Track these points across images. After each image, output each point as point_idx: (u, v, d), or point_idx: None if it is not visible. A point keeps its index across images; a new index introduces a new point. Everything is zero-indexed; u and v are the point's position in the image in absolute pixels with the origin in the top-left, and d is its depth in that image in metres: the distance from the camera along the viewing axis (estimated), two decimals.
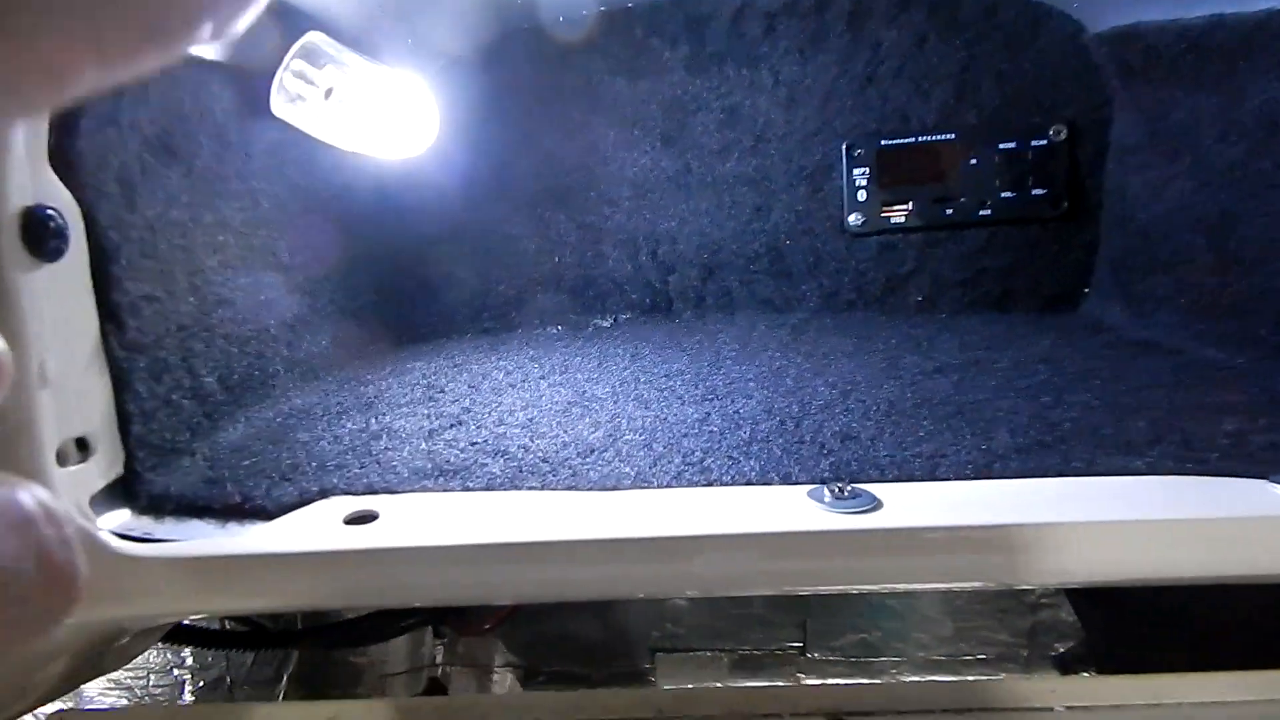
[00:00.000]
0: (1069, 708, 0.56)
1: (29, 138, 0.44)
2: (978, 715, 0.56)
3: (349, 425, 0.66)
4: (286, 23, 0.66)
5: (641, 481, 0.55)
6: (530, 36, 0.98)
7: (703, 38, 0.99)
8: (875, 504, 0.51)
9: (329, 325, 0.83)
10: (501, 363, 0.85)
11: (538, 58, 0.99)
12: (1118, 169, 0.97)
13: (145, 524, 0.51)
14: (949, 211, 1.00)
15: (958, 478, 0.54)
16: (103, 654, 0.56)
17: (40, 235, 0.44)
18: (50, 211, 0.45)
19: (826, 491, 0.52)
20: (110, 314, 0.51)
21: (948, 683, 0.62)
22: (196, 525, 0.52)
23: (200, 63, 0.61)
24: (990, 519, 0.48)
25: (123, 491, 0.52)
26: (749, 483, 0.55)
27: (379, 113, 0.71)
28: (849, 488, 0.52)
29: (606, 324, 1.03)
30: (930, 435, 0.61)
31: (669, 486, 0.55)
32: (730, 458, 0.58)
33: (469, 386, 0.77)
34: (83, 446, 0.49)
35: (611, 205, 1.03)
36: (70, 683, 0.54)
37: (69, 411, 0.47)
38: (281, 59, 0.64)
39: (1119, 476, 0.54)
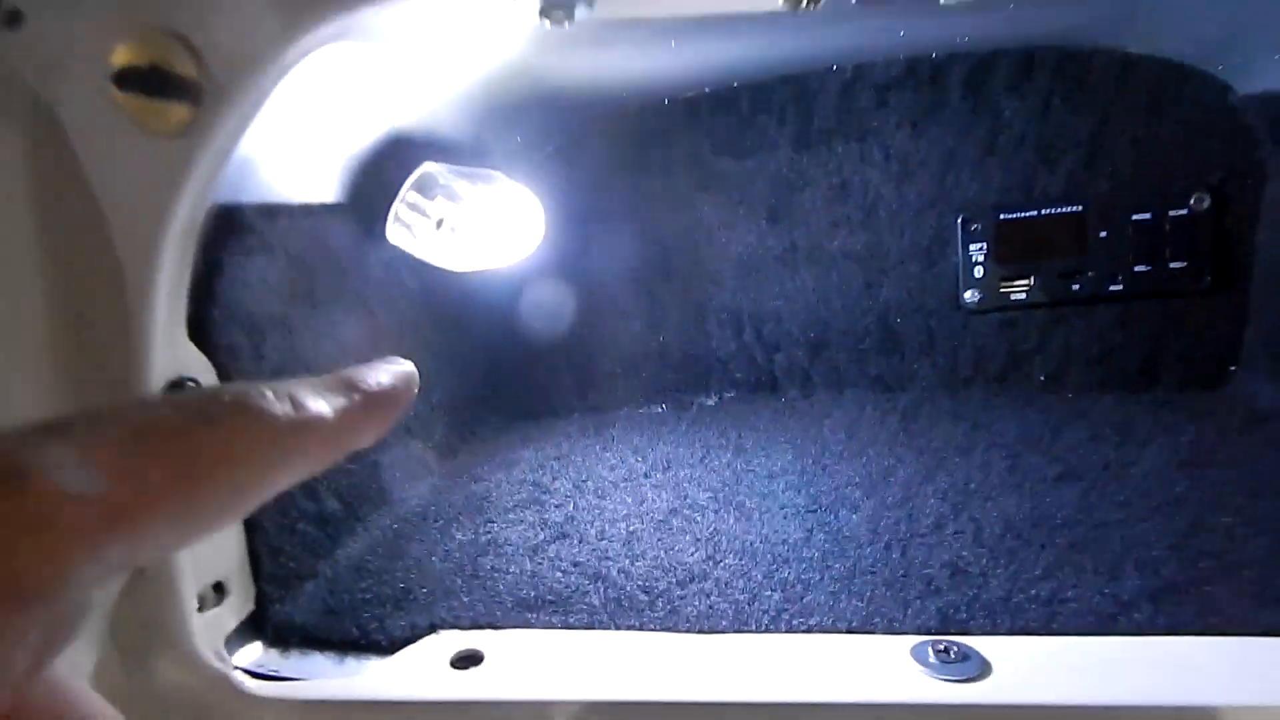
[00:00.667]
0: None
1: (169, 315, 0.48)
2: None
3: (459, 536, 0.69)
4: (402, 154, 0.69)
5: (740, 623, 0.55)
6: (636, 116, 0.99)
7: (811, 113, 0.97)
8: (984, 669, 0.48)
9: (442, 419, 0.86)
10: (606, 454, 0.86)
11: (644, 136, 1.00)
12: (1271, 236, 0.88)
13: (273, 658, 0.55)
14: (1076, 287, 0.94)
15: (1077, 632, 0.51)
16: None
17: None
18: (190, 383, 0.49)
19: (931, 652, 0.50)
20: None
21: None
22: (318, 659, 0.55)
23: (321, 206, 0.65)
24: (1109, 697, 0.44)
25: (252, 625, 0.56)
26: (850, 630, 0.53)
27: (488, 234, 0.73)
28: (955, 647, 0.50)
29: (710, 402, 1.03)
30: (1049, 571, 0.57)
31: (766, 631, 0.54)
32: (832, 593, 0.57)
33: (574, 486, 0.78)
34: (219, 590, 0.53)
35: (715, 283, 1.02)
36: None
37: (207, 560, 0.51)
38: (399, 190, 0.67)
39: (1272, 637, 0.49)
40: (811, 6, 0.44)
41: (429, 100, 0.70)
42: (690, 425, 0.94)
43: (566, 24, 0.46)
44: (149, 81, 0.42)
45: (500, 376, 1.00)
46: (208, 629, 0.51)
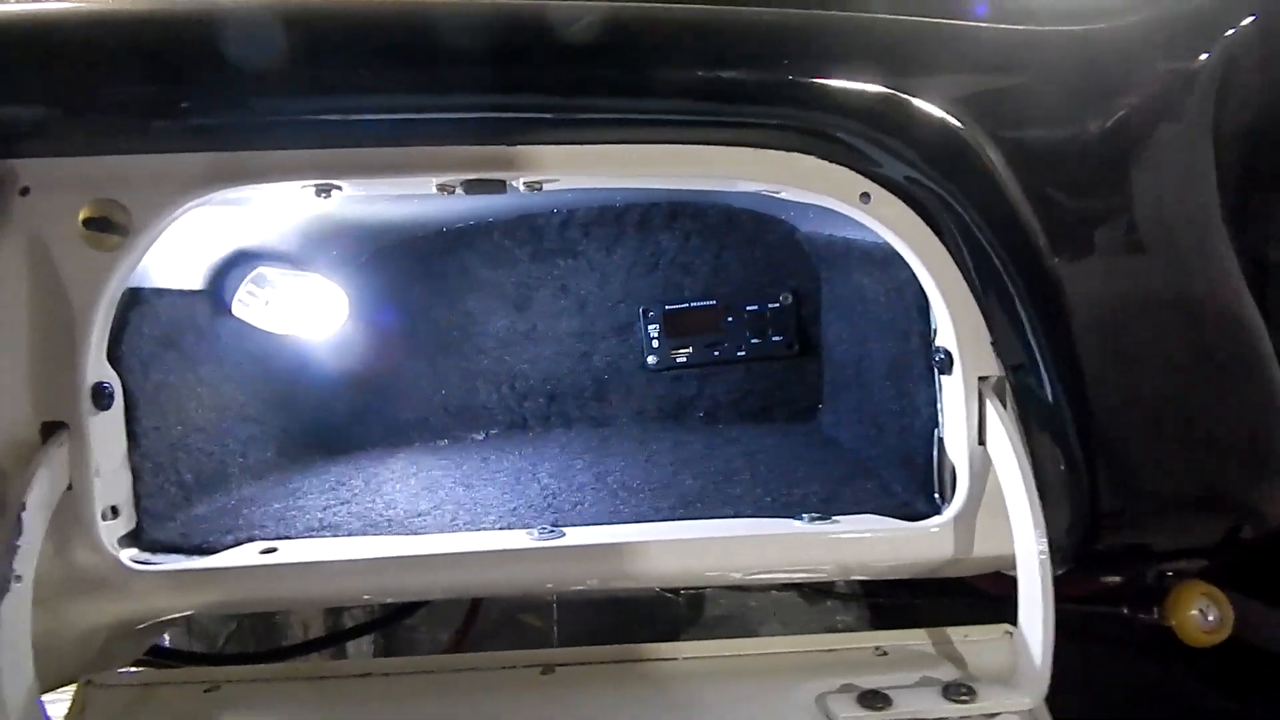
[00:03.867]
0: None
1: (97, 350, 0.86)
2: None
3: (274, 505, 1.06)
4: (244, 261, 1.11)
5: (437, 529, 0.96)
6: (422, 241, 1.44)
7: (541, 239, 1.45)
8: (559, 534, 0.91)
9: (273, 442, 1.24)
10: (392, 465, 1.26)
11: (428, 254, 1.45)
12: (828, 320, 1.40)
13: (145, 556, 0.90)
14: (716, 353, 1.44)
15: (613, 523, 0.94)
16: (120, 642, 0.94)
17: (100, 396, 0.86)
18: (106, 384, 0.87)
19: (536, 531, 0.92)
20: (132, 437, 0.92)
21: None
22: (175, 557, 0.91)
23: (189, 290, 1.05)
24: (609, 539, 0.88)
25: (132, 538, 0.92)
26: (500, 528, 0.95)
27: (305, 310, 1.15)
28: (551, 529, 0.92)
29: (480, 437, 1.44)
30: (624, 501, 1.01)
31: (451, 532, 0.95)
32: (499, 516, 0.99)
33: (362, 482, 1.18)
34: (115, 512, 0.89)
35: (481, 353, 1.46)
36: (101, 661, 0.92)
37: (109, 492, 0.88)
38: (239, 285, 1.08)
39: (715, 520, 0.94)
40: (448, 193, 0.89)
41: (264, 230, 1.13)
42: (459, 451, 1.35)
43: (329, 196, 0.90)
44: (99, 224, 0.83)
45: (321, 422, 1.39)
46: (107, 531, 0.87)
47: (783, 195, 0.90)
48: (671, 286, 1.44)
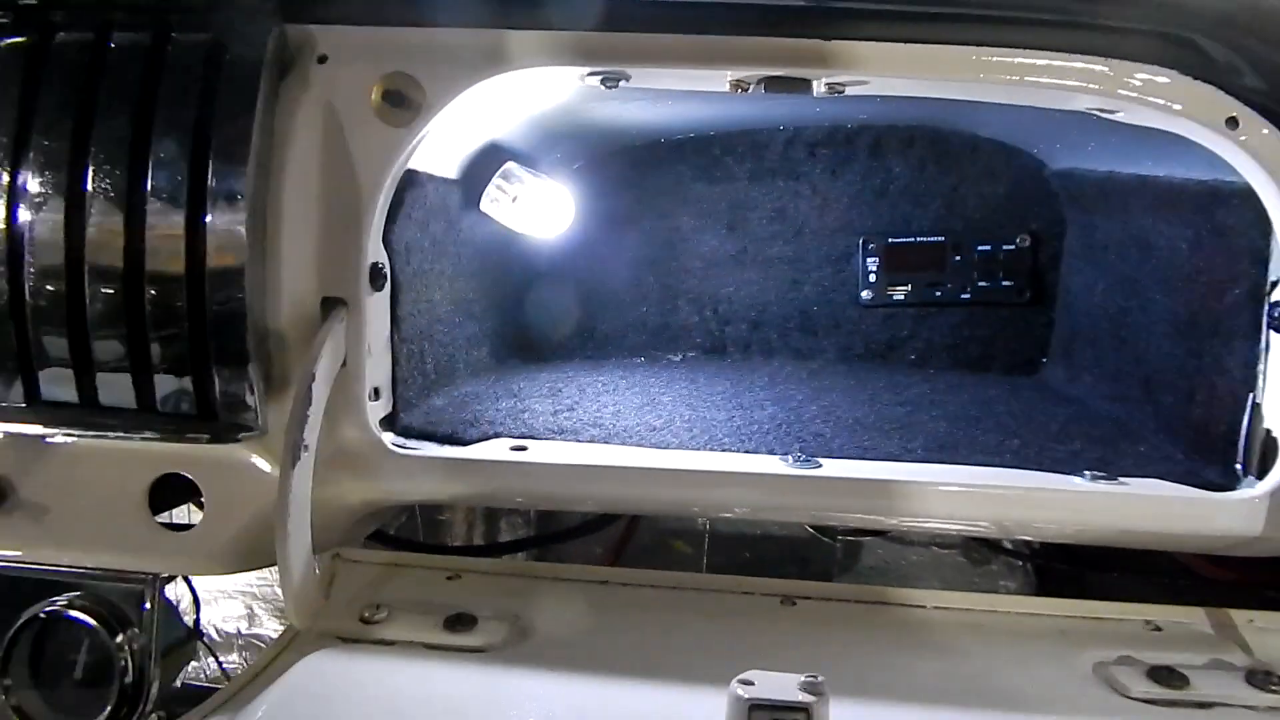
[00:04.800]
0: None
1: (377, 228, 0.85)
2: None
3: (503, 404, 1.06)
4: (494, 154, 1.08)
5: (680, 446, 0.92)
6: (639, 150, 1.39)
7: (761, 157, 1.37)
8: (817, 465, 0.86)
9: (488, 342, 1.24)
10: (599, 378, 1.24)
11: (642, 164, 1.40)
12: (1069, 268, 1.29)
13: (402, 440, 0.91)
14: (938, 294, 1.35)
15: (868, 459, 0.89)
16: (364, 520, 0.96)
17: (377, 276, 0.85)
18: (381, 264, 0.86)
19: (791, 458, 0.88)
20: (395, 320, 0.91)
21: None
22: (428, 444, 0.91)
23: (448, 179, 1.03)
24: (871, 474, 0.83)
25: (389, 422, 0.92)
26: (744, 451, 0.91)
27: (541, 211, 1.12)
28: (803, 458, 0.88)
29: (677, 359, 1.41)
30: (868, 438, 0.96)
31: (696, 449, 0.91)
32: (736, 440, 0.95)
33: (576, 389, 1.16)
34: (377, 394, 0.89)
35: (686, 272, 1.41)
36: (359, 533, 0.94)
37: (375, 372, 0.88)
38: (490, 178, 1.06)
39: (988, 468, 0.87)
40: (740, 91, 0.83)
41: (512, 123, 1.10)
42: (660, 371, 1.32)
43: (616, 86, 0.85)
44: (394, 98, 0.80)
45: (528, 327, 1.38)
46: (372, 411, 0.87)
47: (1118, 116, 0.80)
48: (897, 218, 1.35)
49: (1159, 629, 0.85)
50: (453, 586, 0.90)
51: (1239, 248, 0.85)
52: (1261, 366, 0.83)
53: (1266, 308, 0.81)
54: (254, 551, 0.89)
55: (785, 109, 1.30)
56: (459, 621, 0.80)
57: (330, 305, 0.84)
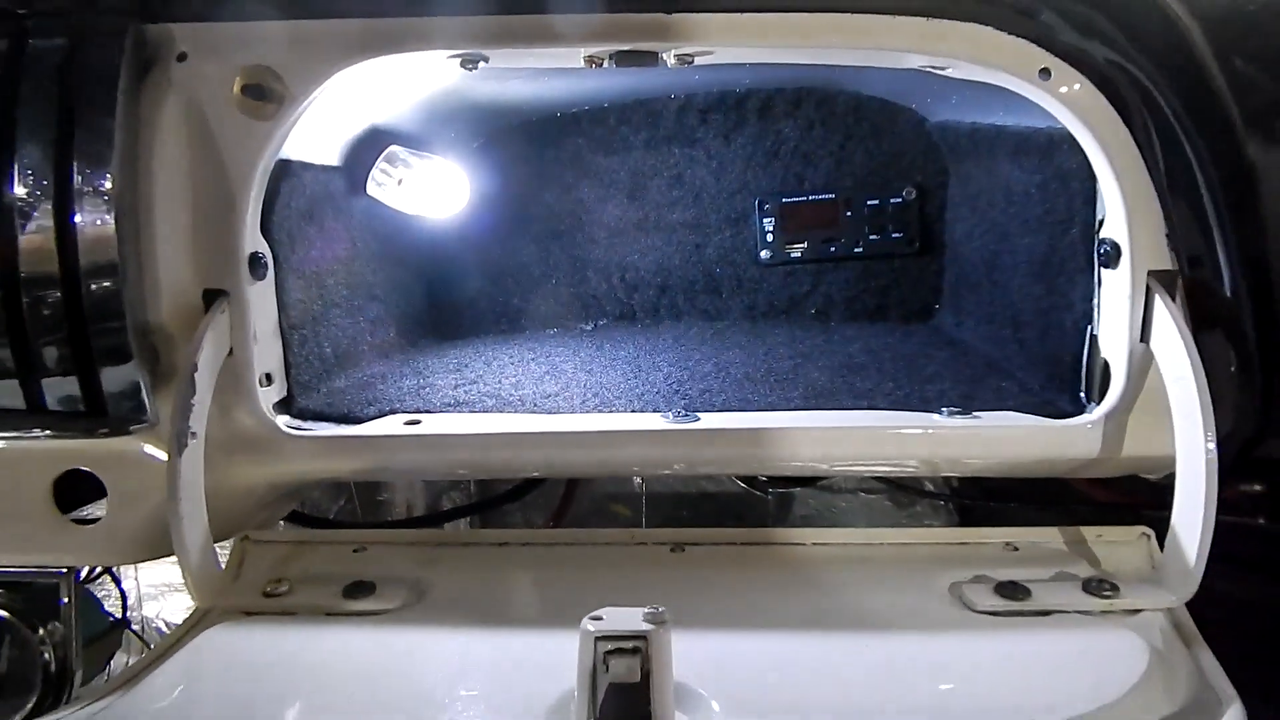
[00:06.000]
0: None
1: (253, 220, 0.88)
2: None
3: (406, 382, 1.09)
4: (377, 139, 1.10)
5: (570, 410, 0.97)
6: (536, 125, 1.42)
7: (657, 126, 1.41)
8: (695, 419, 0.91)
9: (394, 323, 1.27)
10: (508, 351, 1.27)
11: (542, 139, 1.42)
12: (953, 217, 1.35)
13: (297, 423, 0.94)
14: (833, 249, 1.40)
15: (747, 410, 0.94)
16: (270, 505, 1.00)
17: (257, 265, 0.88)
18: (261, 254, 0.89)
19: (671, 414, 0.93)
20: (282, 307, 0.94)
21: None
22: (324, 425, 0.95)
23: (328, 166, 1.05)
24: (745, 424, 0.88)
25: (284, 405, 0.95)
26: (631, 412, 0.96)
27: (431, 191, 1.15)
28: (685, 413, 0.93)
29: (589, 328, 1.45)
30: (752, 391, 1.01)
31: (586, 413, 0.96)
32: (628, 400, 0.99)
33: (483, 364, 1.20)
34: (269, 379, 0.92)
35: (593, 243, 1.45)
36: (272, 514, 0.98)
37: (264, 359, 0.91)
38: (374, 162, 1.08)
39: (853, 411, 0.93)
40: (595, 66, 0.86)
41: (395, 107, 1.12)
42: (570, 340, 1.36)
43: (475, 68, 0.88)
44: (255, 91, 0.82)
45: (436, 306, 1.41)
46: (262, 397, 0.90)
47: (948, 71, 0.85)
48: (790, 178, 1.39)
49: (1016, 549, 0.92)
50: (358, 559, 0.94)
51: (1074, 190, 0.91)
52: (1096, 300, 0.89)
53: (1096, 244, 0.87)
54: (163, 539, 0.92)
55: (671, 77, 1.33)
56: (358, 589, 0.85)
57: (212, 296, 0.86)
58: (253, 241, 0.88)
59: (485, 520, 2.00)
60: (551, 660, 0.70)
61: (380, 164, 1.09)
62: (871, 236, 1.39)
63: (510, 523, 2.06)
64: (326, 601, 0.83)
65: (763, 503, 2.04)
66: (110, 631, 1.07)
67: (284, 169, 0.93)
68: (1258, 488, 1.03)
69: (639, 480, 1.83)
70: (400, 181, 1.11)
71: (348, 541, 0.97)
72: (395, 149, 1.10)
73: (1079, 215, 0.90)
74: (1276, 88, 0.78)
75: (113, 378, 0.83)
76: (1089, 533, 0.92)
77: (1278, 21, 0.78)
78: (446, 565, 0.92)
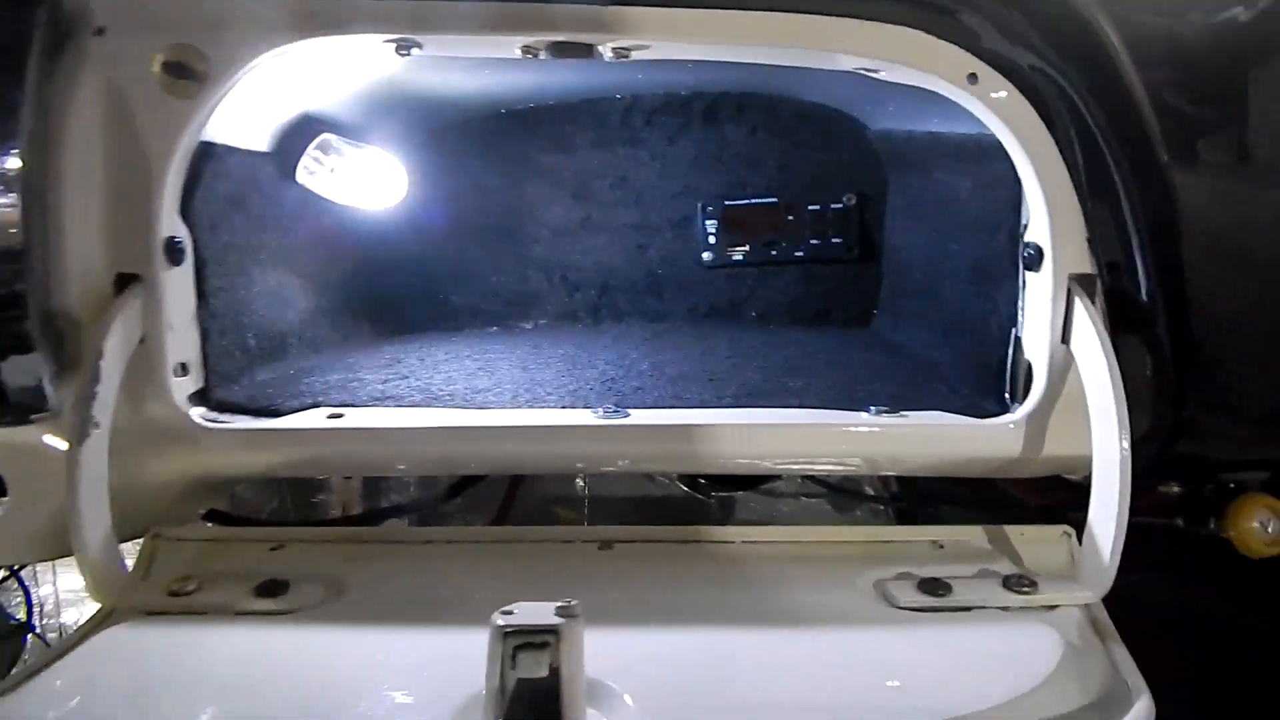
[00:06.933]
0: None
1: (170, 202, 0.85)
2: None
3: (334, 376, 1.06)
4: (309, 126, 1.08)
5: (500, 406, 0.95)
6: (482, 122, 1.40)
7: (603, 126, 1.40)
8: (625, 415, 0.90)
9: (327, 317, 1.24)
10: (445, 348, 1.25)
11: (488, 136, 1.41)
12: (891, 225, 1.37)
13: (214, 415, 0.91)
14: (774, 253, 1.41)
15: (677, 408, 0.94)
16: (187, 501, 0.96)
17: (173, 252, 0.85)
18: (178, 239, 0.86)
19: (600, 410, 0.92)
20: (201, 295, 0.91)
21: None
22: (243, 418, 0.92)
23: (257, 152, 1.03)
24: (675, 420, 0.87)
25: (200, 397, 0.92)
26: (562, 408, 0.95)
27: (366, 182, 1.13)
28: (615, 409, 0.92)
29: (529, 326, 1.43)
30: (685, 389, 1.01)
31: (515, 408, 0.95)
32: (560, 397, 0.98)
33: (417, 359, 1.17)
34: (185, 369, 0.89)
35: (535, 241, 1.43)
36: (186, 510, 0.94)
37: (179, 348, 0.88)
38: (305, 149, 1.05)
39: (782, 409, 0.93)
40: (531, 56, 0.85)
41: (332, 95, 1.10)
42: (510, 338, 1.34)
43: (409, 54, 0.86)
44: (176, 69, 0.80)
45: (372, 297, 1.38)
46: (178, 388, 0.87)
47: (881, 75, 0.86)
48: (733, 182, 1.40)
49: (942, 546, 0.93)
50: (274, 556, 0.91)
51: (1002, 195, 0.93)
52: (1021, 303, 0.91)
53: (1020, 248, 0.89)
54: (67, 536, 0.88)
55: (616, 76, 1.32)
56: (272, 587, 0.82)
57: (124, 281, 0.83)
58: (169, 225, 0.85)
59: (424, 522, 1.97)
60: (466, 658, 0.68)
61: (312, 151, 1.06)
62: (812, 241, 1.40)
63: (452, 524, 2.03)
64: (236, 600, 0.80)
65: (705, 506, 2.05)
66: (15, 634, 1.02)
67: (207, 151, 0.90)
68: (1176, 489, 1.06)
69: (581, 483, 1.81)
70: (332, 170, 1.09)
71: (265, 539, 0.94)
72: (329, 137, 1.08)
73: (1006, 220, 0.92)
74: (1195, 102, 0.81)
75: (12, 364, 0.79)
76: (1012, 531, 0.93)
77: (1199, 38, 0.80)
78: (368, 563, 0.89)
